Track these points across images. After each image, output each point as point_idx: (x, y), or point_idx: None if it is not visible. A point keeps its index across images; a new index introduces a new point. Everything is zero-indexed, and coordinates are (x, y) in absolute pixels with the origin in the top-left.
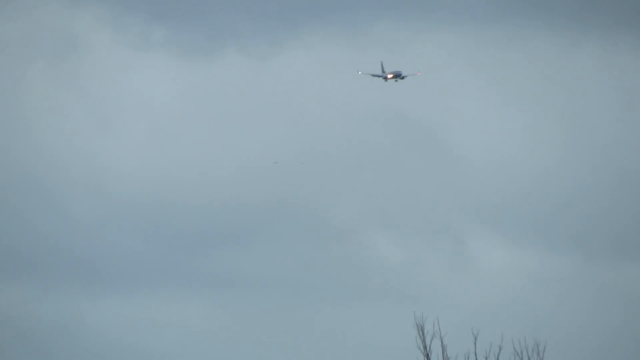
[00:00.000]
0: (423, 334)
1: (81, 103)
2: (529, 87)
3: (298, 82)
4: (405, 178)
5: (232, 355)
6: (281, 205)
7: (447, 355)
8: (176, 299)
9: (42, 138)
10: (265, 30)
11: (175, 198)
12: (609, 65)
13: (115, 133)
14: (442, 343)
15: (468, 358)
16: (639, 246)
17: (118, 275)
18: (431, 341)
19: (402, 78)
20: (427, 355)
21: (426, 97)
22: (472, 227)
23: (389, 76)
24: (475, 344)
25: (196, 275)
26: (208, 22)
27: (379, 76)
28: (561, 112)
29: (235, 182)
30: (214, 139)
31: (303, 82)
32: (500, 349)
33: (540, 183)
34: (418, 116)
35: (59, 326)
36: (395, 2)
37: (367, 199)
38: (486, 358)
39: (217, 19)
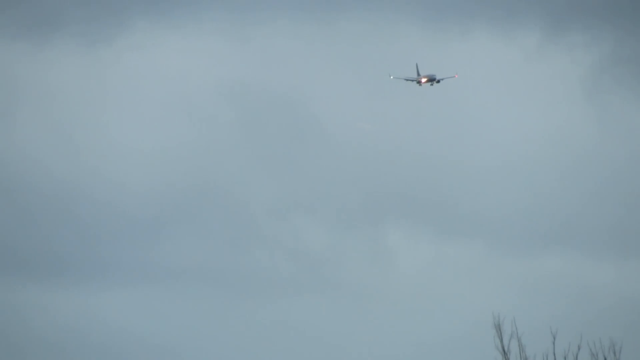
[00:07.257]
0: (501, 333)
1: None
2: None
3: (138, 69)
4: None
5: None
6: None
7: (525, 355)
8: (100, 289)
9: None
10: (96, 17)
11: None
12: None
13: None
14: (519, 343)
15: (547, 358)
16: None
17: (41, 266)
18: (509, 341)
19: (438, 82)
20: (505, 353)
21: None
22: (389, 216)
23: (423, 80)
24: (554, 343)
25: (120, 266)
26: (38, 7)
27: (412, 80)
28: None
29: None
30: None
31: (143, 70)
32: (579, 349)
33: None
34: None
35: None
36: None
37: (280, 185)
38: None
39: (47, 4)
